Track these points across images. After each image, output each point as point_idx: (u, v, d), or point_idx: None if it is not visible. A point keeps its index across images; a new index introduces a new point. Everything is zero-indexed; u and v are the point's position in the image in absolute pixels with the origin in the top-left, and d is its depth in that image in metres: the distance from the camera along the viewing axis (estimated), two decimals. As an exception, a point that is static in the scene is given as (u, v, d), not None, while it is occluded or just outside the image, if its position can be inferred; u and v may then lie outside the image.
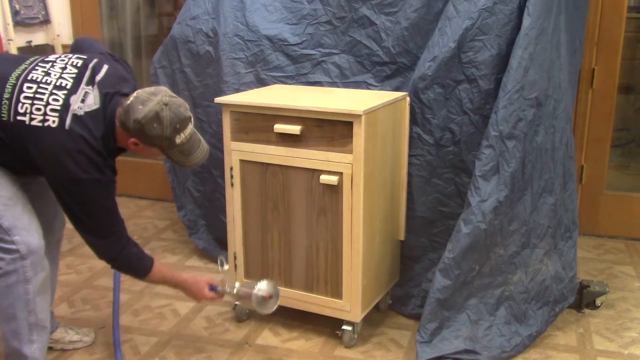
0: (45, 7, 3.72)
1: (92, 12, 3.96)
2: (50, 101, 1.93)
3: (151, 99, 1.92)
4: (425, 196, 2.54)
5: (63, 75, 1.98)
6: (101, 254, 2.09)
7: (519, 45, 2.24)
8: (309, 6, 2.74)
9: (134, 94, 1.95)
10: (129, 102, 1.93)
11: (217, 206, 3.03)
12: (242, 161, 2.45)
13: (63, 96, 1.94)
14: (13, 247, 1.97)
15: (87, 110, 1.95)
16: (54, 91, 1.94)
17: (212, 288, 2.26)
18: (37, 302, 2.05)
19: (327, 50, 2.72)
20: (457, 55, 2.37)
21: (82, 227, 2.03)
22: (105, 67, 2.05)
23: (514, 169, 2.27)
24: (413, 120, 2.50)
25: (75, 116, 1.92)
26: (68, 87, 1.96)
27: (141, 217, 3.82)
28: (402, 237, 2.63)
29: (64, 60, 2.04)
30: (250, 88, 2.79)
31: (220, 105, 2.47)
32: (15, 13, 3.54)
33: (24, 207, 2.04)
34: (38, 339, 2.09)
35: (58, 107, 1.92)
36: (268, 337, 2.54)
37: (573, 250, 2.54)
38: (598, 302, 2.70)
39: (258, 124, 2.39)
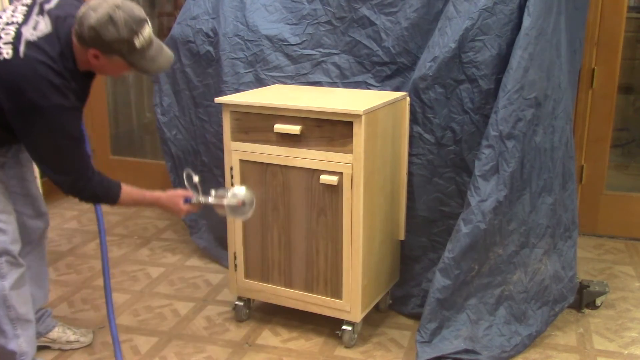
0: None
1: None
2: (2, 35, 1.89)
3: (102, 4, 1.86)
4: (426, 195, 2.54)
5: (14, 15, 1.95)
6: (68, 189, 2.03)
7: (518, 45, 2.25)
8: (309, 6, 2.74)
9: (85, 4, 1.90)
10: (81, 12, 1.88)
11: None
12: (242, 161, 2.45)
13: (14, 29, 1.90)
14: None
15: (40, 35, 1.90)
16: (5, 27, 1.91)
17: (187, 200, 2.21)
18: (14, 296, 2.06)
19: (327, 51, 2.72)
20: (457, 55, 2.37)
21: (48, 164, 1.98)
22: (55, 0, 2.01)
23: (513, 168, 2.27)
24: (414, 120, 2.50)
25: (28, 42, 1.88)
26: (19, 21, 1.92)
27: (141, 217, 3.82)
28: (402, 237, 2.63)
29: (14, 5, 2.01)
30: (250, 88, 2.79)
31: (221, 105, 2.47)
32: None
33: (4, 206, 2.05)
34: (23, 332, 2.10)
35: (10, 40, 1.88)
36: (268, 337, 2.54)
37: (573, 250, 2.54)
38: (598, 302, 2.70)
39: (258, 124, 2.39)
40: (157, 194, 2.19)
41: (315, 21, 2.72)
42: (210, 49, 2.91)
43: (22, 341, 2.10)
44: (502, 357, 2.35)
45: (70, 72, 1.93)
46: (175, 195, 2.20)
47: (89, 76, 2.04)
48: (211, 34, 2.90)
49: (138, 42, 1.89)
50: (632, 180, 3.73)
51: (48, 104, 1.87)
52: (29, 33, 1.89)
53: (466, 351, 2.33)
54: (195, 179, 2.22)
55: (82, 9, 1.89)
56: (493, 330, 2.38)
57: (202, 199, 2.21)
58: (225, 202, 2.20)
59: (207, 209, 2.29)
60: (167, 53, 2.01)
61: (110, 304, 2.39)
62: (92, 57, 1.92)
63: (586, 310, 2.70)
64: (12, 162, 2.15)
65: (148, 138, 4.34)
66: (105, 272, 2.42)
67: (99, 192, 2.07)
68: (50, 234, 3.55)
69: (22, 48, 1.87)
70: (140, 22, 1.89)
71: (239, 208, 2.21)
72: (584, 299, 2.68)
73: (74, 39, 1.92)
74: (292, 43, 2.75)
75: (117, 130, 4.31)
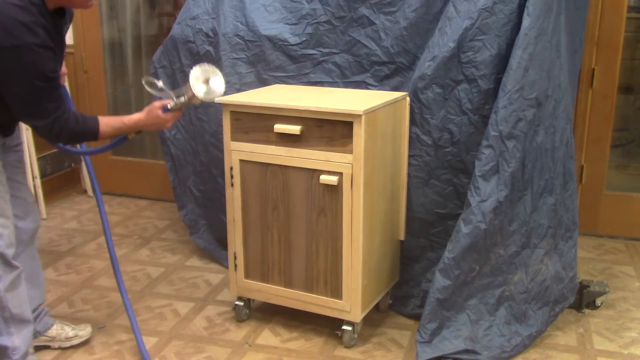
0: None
1: (92, 12, 3.96)
2: None
3: None
4: (423, 197, 2.54)
5: None
6: (46, 133, 2.03)
7: (518, 45, 2.24)
8: (309, 6, 2.74)
9: None
10: None
11: (218, 206, 3.03)
12: (242, 161, 2.45)
13: None
14: None
15: None
16: None
17: (165, 109, 2.17)
18: (9, 298, 2.08)
19: (327, 50, 2.72)
20: (456, 55, 2.37)
21: (25, 111, 1.97)
22: None
23: (513, 169, 2.27)
24: (412, 121, 2.50)
25: None
26: None
27: (141, 217, 3.82)
28: (402, 237, 2.63)
29: None
30: (252, 88, 2.79)
31: (221, 105, 2.47)
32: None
33: (3, 210, 2.06)
34: (16, 330, 2.12)
35: None
36: (268, 337, 2.54)
37: (573, 250, 2.54)
38: (598, 302, 2.70)
39: (258, 124, 2.39)
40: (136, 116, 2.17)
41: (315, 21, 2.72)
42: (210, 48, 2.91)
43: (15, 338, 2.11)
44: (502, 357, 2.35)
45: (38, 7, 1.89)
46: (153, 108, 2.17)
47: (59, 14, 2.02)
48: (211, 34, 2.90)
49: None
50: (632, 180, 3.73)
51: (19, 42, 1.84)
52: None
53: (466, 351, 2.33)
54: (159, 83, 2.20)
55: None
56: (493, 330, 2.38)
57: (176, 100, 2.17)
58: (197, 89, 2.13)
59: (187, 106, 2.25)
60: None
61: (127, 302, 2.43)
62: None
63: (586, 310, 2.70)
64: (2, 162, 2.15)
65: (148, 138, 4.34)
66: (115, 266, 2.45)
67: (78, 129, 2.05)
68: (50, 234, 3.56)
69: None
70: None
71: (209, 88, 2.16)
72: (584, 299, 2.68)
73: None
74: (292, 43, 2.75)
75: (117, 130, 4.30)
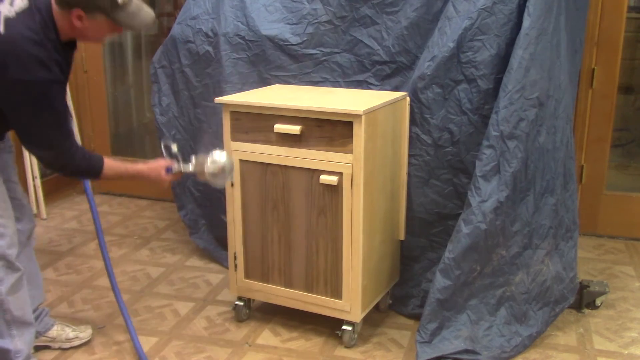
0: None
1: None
2: None
3: None
4: (423, 197, 2.53)
5: None
6: (53, 165, 2.07)
7: (519, 45, 2.24)
8: (309, 6, 2.74)
9: None
10: None
11: (218, 205, 3.03)
12: (242, 161, 2.45)
13: None
14: None
15: (18, 10, 1.91)
16: None
17: (169, 170, 2.23)
18: (11, 301, 2.08)
19: (328, 50, 2.72)
20: (456, 55, 2.37)
21: (33, 141, 2.00)
22: None
23: (515, 169, 2.27)
24: (412, 120, 2.50)
25: (7, 19, 1.89)
26: None
27: (141, 217, 3.82)
28: (402, 237, 2.63)
29: None
30: (253, 87, 2.79)
31: (220, 105, 2.46)
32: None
33: (3, 211, 2.07)
34: (18, 333, 2.12)
35: None
36: (268, 337, 2.54)
37: (573, 251, 2.54)
38: (598, 302, 2.70)
39: (258, 124, 2.39)
40: (139, 166, 2.20)
41: (316, 21, 2.72)
42: (210, 49, 2.91)
43: (17, 340, 2.12)
44: (502, 358, 2.35)
45: (53, 43, 1.93)
46: (157, 166, 2.21)
47: (70, 47, 2.05)
48: (211, 34, 2.89)
49: None
50: (632, 180, 3.73)
51: (32, 78, 1.87)
52: (6, 10, 1.90)
53: (466, 351, 2.33)
54: (174, 148, 2.24)
55: None
56: (493, 330, 2.38)
57: (182, 167, 2.23)
58: (206, 169, 2.20)
59: (189, 176, 2.30)
60: (147, 9, 2.03)
61: (122, 304, 2.44)
62: (76, 19, 1.92)
63: (586, 310, 2.70)
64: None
65: (148, 138, 4.34)
66: (109, 268, 2.47)
67: (82, 166, 2.08)
68: (50, 234, 3.56)
69: (1, 25, 1.87)
70: None
71: (219, 174, 2.22)
72: (584, 299, 2.67)
73: (54, 6, 1.93)
74: (294, 43, 2.75)
75: (117, 130, 4.31)
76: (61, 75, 1.96)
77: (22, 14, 1.90)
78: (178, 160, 2.24)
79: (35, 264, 2.39)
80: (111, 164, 2.15)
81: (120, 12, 1.94)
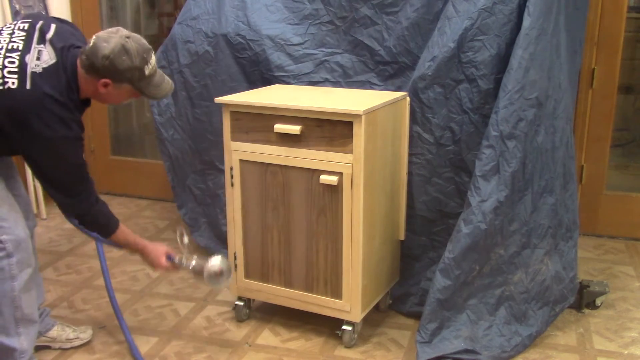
0: (45, 7, 3.72)
1: (92, 12, 3.96)
2: (6, 64, 1.93)
3: (112, 36, 1.97)
4: (426, 195, 2.54)
5: (13, 39, 1.99)
6: (70, 211, 2.13)
7: (519, 45, 2.25)
8: (311, 6, 2.74)
9: (93, 38, 1.98)
10: (91, 45, 1.97)
11: (218, 204, 3.03)
12: (242, 161, 2.45)
13: (17, 57, 1.94)
14: (0, 245, 2.02)
15: (45, 66, 1.96)
16: (7, 54, 1.95)
17: (170, 258, 2.31)
18: (23, 298, 2.09)
19: (329, 50, 2.72)
20: (456, 55, 2.37)
21: (52, 187, 2.05)
22: (53, 26, 2.06)
23: (514, 169, 2.27)
24: (413, 120, 2.50)
25: (34, 74, 1.93)
26: (20, 48, 1.97)
27: (141, 217, 3.82)
28: (402, 237, 2.63)
29: (10, 27, 2.05)
30: (254, 87, 2.79)
31: (220, 104, 2.47)
32: (15, 13, 3.53)
33: (11, 206, 2.08)
34: (25, 331, 2.12)
35: (15, 69, 1.93)
36: (268, 337, 2.54)
37: (573, 251, 2.54)
38: (598, 302, 2.70)
39: (258, 124, 2.39)
40: (144, 243, 2.29)
41: (318, 21, 2.73)
42: (210, 49, 2.90)
43: (23, 339, 2.12)
44: (502, 357, 2.35)
45: (75, 103, 2.01)
46: (160, 250, 2.30)
47: (86, 103, 2.12)
48: (211, 34, 2.89)
49: (147, 69, 2.02)
50: (632, 180, 3.73)
51: (53, 135, 1.94)
52: (33, 64, 1.95)
53: (466, 351, 2.33)
54: (185, 239, 2.34)
55: (93, 41, 1.97)
56: (493, 330, 2.38)
57: (184, 260, 2.31)
58: (205, 274, 2.28)
59: (185, 271, 2.37)
60: (168, 80, 2.18)
61: (115, 304, 2.43)
62: (102, 87, 2.01)
63: (586, 310, 2.70)
64: (1, 163, 2.17)
65: (148, 138, 4.34)
66: (105, 271, 2.47)
67: (100, 219, 2.18)
68: (50, 234, 3.56)
69: (28, 80, 1.93)
70: (149, 51, 2.03)
71: (217, 277, 2.29)
72: (584, 299, 2.68)
73: (81, 70, 2.00)
74: (295, 43, 2.75)
75: (117, 130, 4.31)
76: (79, 132, 2.02)
77: (49, 71, 1.96)
78: (182, 253, 2.32)
79: (36, 263, 2.38)
80: (124, 231, 2.24)
81: (145, 83, 2.05)
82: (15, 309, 2.08)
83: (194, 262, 2.31)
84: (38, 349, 2.39)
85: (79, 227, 2.25)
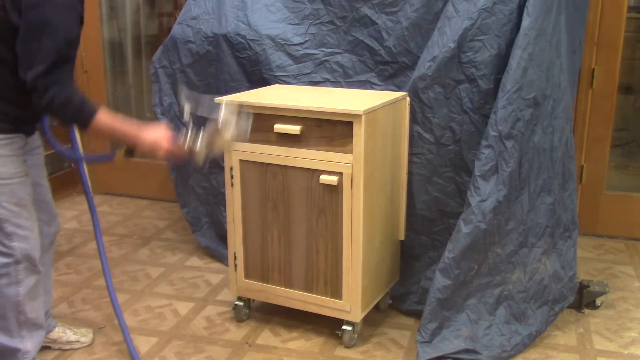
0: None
1: (92, 12, 3.96)
2: None
3: None
4: (426, 195, 2.54)
5: None
6: (42, 92, 1.88)
7: (518, 45, 2.25)
8: (311, 6, 2.74)
9: None
10: None
11: (221, 203, 3.03)
12: (242, 161, 2.45)
13: None
14: (10, 252, 2.01)
15: None
16: None
17: (176, 138, 2.01)
18: (27, 303, 2.08)
19: (329, 50, 2.72)
20: (457, 55, 2.37)
21: (32, 59, 1.87)
22: None
23: (512, 168, 2.27)
24: (413, 119, 2.50)
25: None
26: None
27: (141, 217, 3.82)
28: (402, 237, 2.63)
29: None
30: (255, 87, 2.79)
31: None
32: None
33: (30, 214, 2.06)
34: (28, 334, 2.12)
35: None
36: (268, 337, 2.54)
37: (572, 250, 2.54)
38: (598, 302, 2.70)
39: (258, 124, 2.39)
40: (136, 126, 2.00)
41: (318, 21, 2.73)
42: (211, 48, 2.91)
43: (26, 341, 2.12)
44: (502, 357, 2.35)
45: None
46: (159, 130, 2.01)
47: None
48: (211, 34, 2.89)
49: None
50: (632, 180, 3.73)
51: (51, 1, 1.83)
52: None
53: (466, 351, 2.33)
54: (187, 109, 2.04)
55: None
56: (493, 329, 2.38)
57: (192, 141, 1.98)
58: (221, 127, 1.95)
59: (194, 149, 2.01)
60: None
61: (114, 301, 2.42)
62: None
63: (586, 310, 2.70)
64: (28, 164, 2.13)
65: (148, 138, 4.33)
66: (105, 269, 2.45)
67: (75, 102, 1.92)
68: (51, 234, 3.56)
69: None
70: None
71: (234, 123, 1.97)
72: (584, 299, 2.68)
73: None
74: (295, 43, 2.75)
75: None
76: (79, 5, 1.92)
77: None
78: (187, 131, 1.99)
79: (50, 270, 2.38)
80: (107, 115, 1.96)
81: None
82: (19, 313, 2.07)
83: (202, 133, 1.97)
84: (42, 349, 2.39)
85: (48, 134, 2.06)
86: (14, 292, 2.04)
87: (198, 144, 1.99)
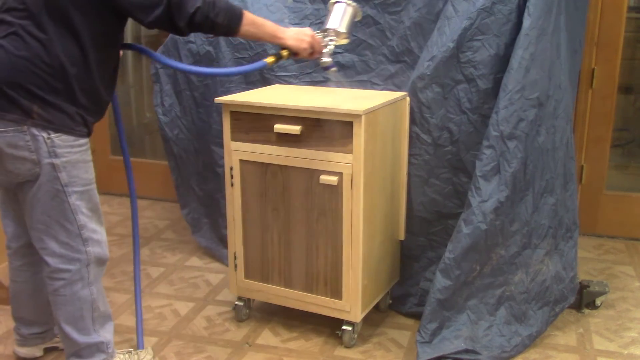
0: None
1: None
2: None
3: None
4: (423, 196, 2.54)
5: None
6: (184, 8, 1.82)
7: (519, 45, 2.25)
8: (312, 6, 2.74)
9: None
10: None
11: (221, 204, 3.04)
12: (242, 161, 2.45)
13: None
14: (84, 257, 2.04)
15: None
16: None
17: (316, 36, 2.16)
18: (99, 299, 2.12)
19: (330, 50, 2.72)
20: (455, 55, 2.37)
21: None
22: None
23: (515, 169, 2.27)
24: (411, 120, 2.50)
25: None
26: None
27: (141, 217, 3.82)
28: (402, 237, 2.63)
29: None
30: (256, 87, 2.79)
31: (221, 105, 2.47)
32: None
33: (99, 217, 2.10)
34: (101, 327, 2.15)
35: None
36: (268, 337, 2.54)
37: (573, 251, 2.54)
38: (598, 302, 2.70)
39: (258, 124, 2.39)
40: (278, 25, 2.10)
41: (318, 21, 2.73)
42: (211, 49, 2.91)
43: (103, 333, 2.14)
44: (502, 357, 2.35)
45: None
46: (303, 29, 2.13)
47: None
48: (211, 34, 2.90)
49: None
50: (632, 180, 3.73)
51: None
52: None
53: (466, 351, 2.33)
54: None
55: None
56: (493, 330, 2.38)
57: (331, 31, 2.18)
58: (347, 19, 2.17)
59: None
60: None
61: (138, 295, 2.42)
62: None
63: (586, 310, 2.70)
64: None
65: (148, 138, 4.34)
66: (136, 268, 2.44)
67: (219, 2, 1.87)
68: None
69: None
70: None
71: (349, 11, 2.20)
72: (584, 299, 2.68)
73: None
74: (295, 43, 2.75)
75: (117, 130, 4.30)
76: None
77: None
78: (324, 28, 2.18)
79: None
80: (249, 13, 1.99)
81: None
82: (94, 311, 2.11)
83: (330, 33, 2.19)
84: (47, 350, 2.39)
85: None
86: (88, 294, 2.07)
87: (341, 26, 2.18)
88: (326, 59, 2.20)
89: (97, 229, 2.07)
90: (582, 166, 3.35)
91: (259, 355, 2.42)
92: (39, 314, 2.29)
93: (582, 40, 2.69)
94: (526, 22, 2.24)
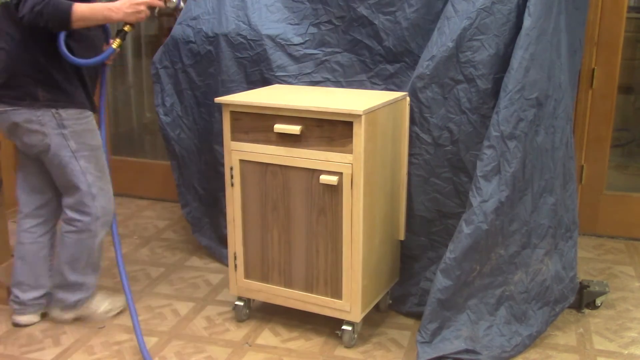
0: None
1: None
2: None
3: None
4: (424, 195, 2.54)
5: None
6: (24, 4, 2.13)
7: (519, 45, 2.25)
8: (310, 6, 2.75)
9: None
10: None
11: (222, 204, 3.04)
12: (242, 161, 2.45)
13: None
14: (93, 211, 2.43)
15: None
16: None
17: None
18: (98, 250, 2.51)
19: (329, 50, 2.72)
20: (455, 54, 2.37)
21: None
22: None
23: (514, 169, 2.27)
24: (411, 120, 2.50)
25: None
26: None
27: (141, 217, 3.83)
28: (402, 237, 2.63)
29: None
30: (256, 87, 2.79)
31: (221, 105, 2.47)
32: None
33: (107, 177, 2.49)
34: (92, 273, 2.56)
35: None
36: (268, 337, 2.54)
37: (573, 250, 2.54)
38: (598, 302, 2.70)
39: (258, 124, 2.39)
40: (107, 3, 2.24)
41: (317, 21, 2.73)
42: (211, 48, 2.91)
43: (89, 277, 2.55)
44: (502, 357, 2.35)
45: None
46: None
47: None
48: (211, 34, 2.90)
49: None
50: (632, 180, 3.73)
51: None
52: None
53: (466, 351, 2.33)
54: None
55: None
56: (493, 330, 2.38)
57: None
58: None
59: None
60: None
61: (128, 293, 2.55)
62: None
63: (586, 310, 2.70)
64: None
65: (148, 138, 4.34)
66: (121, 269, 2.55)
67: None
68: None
69: None
70: None
71: None
72: (584, 299, 2.68)
73: None
74: (295, 43, 2.75)
75: (117, 130, 4.31)
76: None
77: None
78: None
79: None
80: (79, 4, 2.18)
81: None
82: (89, 257, 2.49)
83: None
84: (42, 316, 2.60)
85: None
86: (91, 243, 2.47)
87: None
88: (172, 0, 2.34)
89: (105, 188, 2.47)
90: (582, 166, 3.35)
91: (259, 355, 2.42)
92: (40, 277, 2.55)
93: (582, 40, 2.69)
94: (526, 22, 2.24)
